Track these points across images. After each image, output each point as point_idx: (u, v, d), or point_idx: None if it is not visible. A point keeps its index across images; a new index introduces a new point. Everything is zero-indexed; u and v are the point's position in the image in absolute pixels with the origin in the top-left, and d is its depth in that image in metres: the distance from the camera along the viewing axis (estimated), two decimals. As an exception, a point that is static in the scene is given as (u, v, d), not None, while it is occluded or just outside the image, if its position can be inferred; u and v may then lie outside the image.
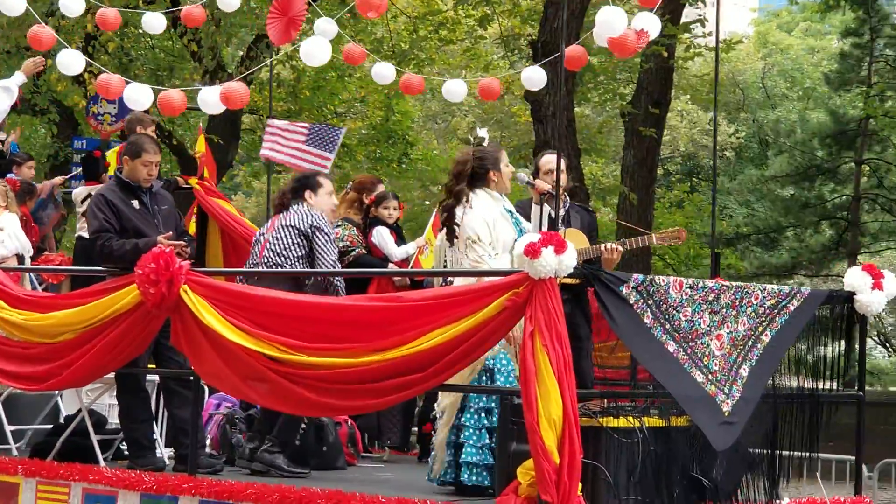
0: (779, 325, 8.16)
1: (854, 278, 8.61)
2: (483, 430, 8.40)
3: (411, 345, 7.42)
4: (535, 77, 12.01)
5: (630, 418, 7.59)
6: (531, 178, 9.80)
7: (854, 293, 8.63)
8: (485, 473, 8.32)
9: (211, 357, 8.24)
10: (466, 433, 8.38)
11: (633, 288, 7.40)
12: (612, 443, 7.38)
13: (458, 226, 8.72)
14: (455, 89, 11.07)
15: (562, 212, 9.42)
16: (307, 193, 9.90)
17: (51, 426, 10.39)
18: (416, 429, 11.44)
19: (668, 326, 7.52)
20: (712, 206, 11.77)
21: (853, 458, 9.34)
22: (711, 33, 21.20)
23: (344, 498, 7.81)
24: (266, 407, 8.89)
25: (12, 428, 9.96)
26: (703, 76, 32.12)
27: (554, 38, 19.63)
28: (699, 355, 7.64)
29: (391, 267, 10.91)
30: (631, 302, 7.37)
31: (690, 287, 7.77)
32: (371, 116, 33.29)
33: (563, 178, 9.37)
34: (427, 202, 34.92)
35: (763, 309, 8.07)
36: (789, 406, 8.37)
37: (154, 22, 11.79)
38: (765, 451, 8.20)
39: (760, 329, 8.05)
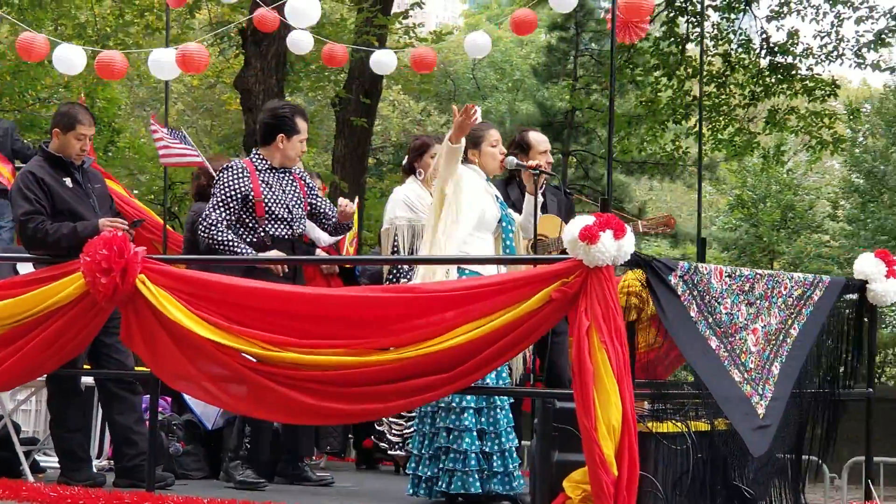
0: (805, 318, 7.89)
1: (867, 266, 8.33)
2: (476, 433, 8.10)
3: (435, 341, 7.01)
4: (480, 41, 12.21)
5: (677, 422, 7.12)
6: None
7: (867, 282, 8.25)
8: (478, 479, 8.03)
9: (173, 356, 7.71)
10: (468, 438, 8.03)
11: (679, 277, 7.13)
12: (662, 450, 7.04)
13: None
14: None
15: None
16: None
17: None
18: (351, 435, 10.97)
19: (710, 320, 7.31)
20: (698, 194, 11.52)
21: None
22: (423, 24, 21.79)
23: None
24: (244, 414, 8.38)
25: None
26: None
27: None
28: (737, 352, 7.44)
29: (319, 252, 10.21)
30: (679, 293, 7.03)
31: (729, 276, 7.56)
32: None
33: (549, 159, 9.10)
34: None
35: (791, 300, 7.90)
36: (814, 406, 8.07)
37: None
38: (792, 456, 7.92)
39: (790, 322, 7.90)
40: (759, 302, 7.56)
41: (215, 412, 9.33)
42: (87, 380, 9.19)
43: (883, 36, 22.61)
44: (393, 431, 9.73)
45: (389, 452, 9.88)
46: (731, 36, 23.50)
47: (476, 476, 7.87)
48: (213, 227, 8.75)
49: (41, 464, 9.17)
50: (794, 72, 23.10)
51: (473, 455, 7.90)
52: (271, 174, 9.09)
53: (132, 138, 35.64)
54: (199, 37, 28.01)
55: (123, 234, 7.86)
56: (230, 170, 8.96)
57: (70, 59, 9.73)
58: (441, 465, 7.99)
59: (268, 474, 8.92)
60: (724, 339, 7.25)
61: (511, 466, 8.05)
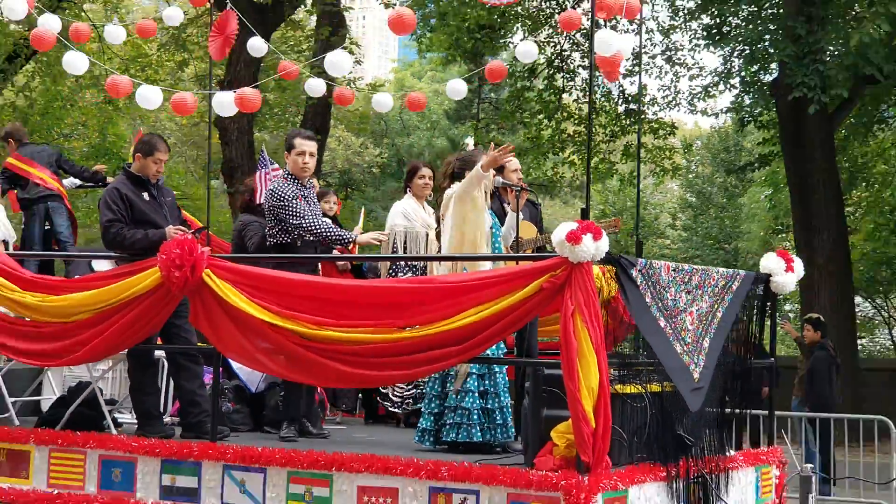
0: (727, 303, 8.06)
1: (771, 262, 8.54)
2: (478, 393, 8.18)
3: (449, 321, 7.04)
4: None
5: (637, 385, 7.32)
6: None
7: (770, 275, 8.40)
8: (479, 430, 8.10)
9: (233, 334, 7.70)
10: (470, 398, 8.11)
11: (639, 271, 7.27)
12: (626, 407, 7.15)
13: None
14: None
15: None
16: None
17: (53, 397, 9.33)
18: (360, 395, 10.80)
19: (660, 304, 7.47)
20: (636, 202, 11.52)
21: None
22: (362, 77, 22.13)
23: (381, 461, 7.28)
24: (290, 380, 8.30)
25: (12, 400, 9.09)
26: (355, 110, 33.39)
27: (238, 77, 21.09)
28: (679, 330, 7.58)
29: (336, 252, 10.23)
30: (638, 283, 7.17)
31: (674, 270, 7.70)
32: (91, 137, 33.49)
33: (519, 175, 9.10)
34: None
35: (717, 289, 8.11)
36: (732, 373, 8.17)
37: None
38: (718, 411, 8.02)
39: (716, 306, 8.09)
40: (694, 290, 7.72)
41: (258, 378, 9.29)
42: (158, 353, 9.15)
43: (709, 89, 22.98)
44: (395, 394, 9.74)
45: (391, 410, 9.86)
46: (597, 88, 23.51)
47: (478, 428, 7.94)
48: (316, 222, 8.94)
49: (119, 419, 9.03)
50: (643, 116, 23.18)
51: (476, 411, 8.00)
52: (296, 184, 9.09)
53: (137, 166, 35.95)
54: (189, 87, 28.29)
55: (192, 238, 7.86)
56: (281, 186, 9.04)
57: (149, 97, 9.58)
58: (447, 420, 8.06)
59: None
60: (670, 320, 7.41)
61: (508, 420, 8.14)
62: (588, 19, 9.41)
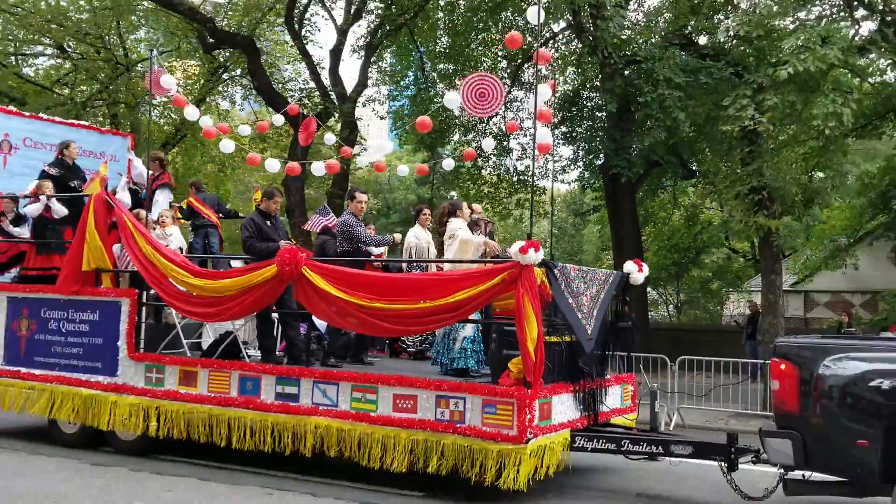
0: (605, 288, 8.06)
1: (629, 266, 8.62)
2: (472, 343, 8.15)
3: (449, 297, 7.09)
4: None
5: (556, 336, 7.29)
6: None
7: (629, 273, 8.46)
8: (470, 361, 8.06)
9: (319, 304, 7.67)
10: (465, 343, 8.10)
11: (559, 270, 7.24)
12: (551, 350, 7.08)
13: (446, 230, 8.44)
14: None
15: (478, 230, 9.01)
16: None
17: (210, 340, 9.23)
18: (388, 341, 10.55)
19: (570, 290, 7.44)
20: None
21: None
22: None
23: (406, 379, 7.32)
24: (353, 331, 8.28)
25: (186, 341, 8.91)
26: (361, 176, 31.54)
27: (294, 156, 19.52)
28: (580, 305, 7.58)
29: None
30: (557, 277, 7.15)
31: (578, 269, 7.71)
32: (209, 191, 30.38)
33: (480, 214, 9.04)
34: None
35: (600, 281, 8.04)
36: (609, 330, 8.09)
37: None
38: (600, 352, 7.90)
39: (600, 291, 8.03)
40: (588, 282, 7.73)
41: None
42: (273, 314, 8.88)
43: (565, 168, 22.74)
44: (409, 342, 9.68)
45: (407, 350, 9.81)
46: (505, 168, 23.49)
47: (470, 360, 7.94)
48: (370, 238, 8.99)
49: (249, 353, 8.79)
50: (527, 182, 22.83)
51: (469, 350, 8.00)
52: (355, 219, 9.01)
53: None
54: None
55: (295, 247, 7.83)
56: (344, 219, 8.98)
57: (272, 164, 9.46)
58: (451, 356, 8.02)
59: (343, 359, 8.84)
60: (575, 299, 7.42)
61: (481, 357, 8.10)
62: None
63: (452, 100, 8.41)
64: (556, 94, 21.40)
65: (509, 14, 20.56)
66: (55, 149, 11.02)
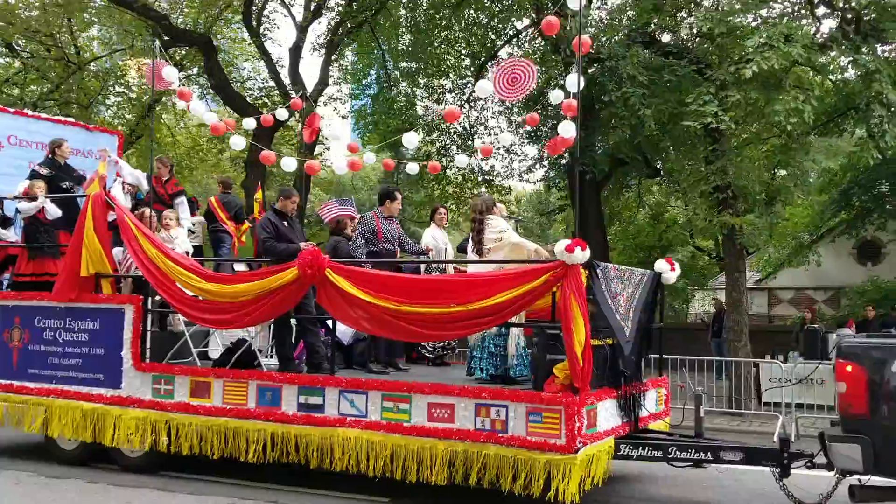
0: (640, 289, 7.91)
1: (661, 265, 8.40)
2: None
3: (489, 300, 6.78)
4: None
5: (599, 339, 7.01)
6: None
7: (661, 273, 8.26)
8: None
9: (344, 307, 7.33)
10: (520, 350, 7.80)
11: (601, 269, 7.03)
12: (597, 352, 6.80)
13: (485, 228, 7.86)
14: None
15: None
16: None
17: (217, 349, 8.87)
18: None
19: (609, 290, 7.24)
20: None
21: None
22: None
23: (443, 387, 7.05)
24: (378, 335, 7.87)
25: (198, 349, 8.54)
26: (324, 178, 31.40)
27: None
28: (617, 306, 7.37)
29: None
30: (599, 277, 6.95)
31: (616, 269, 7.46)
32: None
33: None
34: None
35: (635, 280, 7.88)
36: (644, 331, 7.86)
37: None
38: (638, 355, 7.73)
39: (636, 292, 7.91)
40: (625, 282, 7.55)
41: (349, 336, 8.71)
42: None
43: (530, 168, 22.51)
44: (428, 347, 9.36)
45: (425, 355, 9.44)
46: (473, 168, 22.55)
47: (523, 368, 7.68)
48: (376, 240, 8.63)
49: (263, 362, 8.49)
50: (492, 182, 22.77)
51: (524, 356, 7.73)
52: (386, 220, 8.76)
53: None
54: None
55: (317, 248, 7.51)
56: (366, 217, 8.65)
57: (289, 164, 9.07)
58: (490, 362, 7.68)
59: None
60: (614, 300, 7.25)
61: (526, 362, 7.76)
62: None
63: (484, 88, 8.12)
64: (491, 95, 21.16)
65: (472, 11, 20.53)
66: (42, 147, 10.58)
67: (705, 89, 12.45)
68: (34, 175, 9.47)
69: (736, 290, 14.78)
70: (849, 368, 5.89)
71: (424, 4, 21.05)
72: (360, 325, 7.40)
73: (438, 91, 22.68)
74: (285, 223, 8.06)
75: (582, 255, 6.43)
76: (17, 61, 23.71)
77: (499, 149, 22.08)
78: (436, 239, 9.30)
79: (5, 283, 9.90)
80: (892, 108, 11.87)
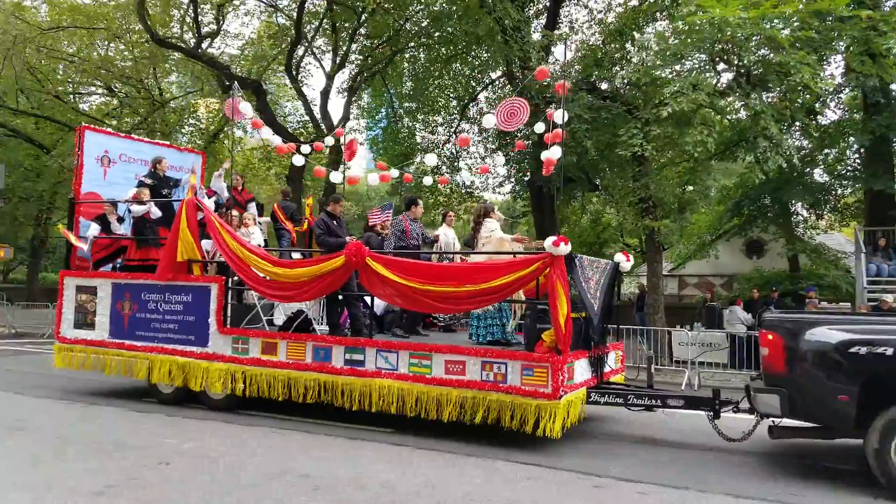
0: (605, 275, 7.63)
1: (619, 257, 8.16)
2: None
3: (493, 282, 6.64)
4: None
5: (575, 313, 6.82)
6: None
7: (619, 263, 8.04)
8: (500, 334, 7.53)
9: (381, 287, 7.17)
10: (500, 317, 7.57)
11: (578, 260, 6.77)
12: (576, 323, 6.64)
13: (481, 228, 7.80)
14: (373, 178, 9.24)
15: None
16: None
17: (281, 317, 8.65)
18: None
19: (584, 276, 6.95)
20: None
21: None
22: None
23: (456, 348, 6.87)
24: (406, 308, 7.67)
25: (266, 318, 8.36)
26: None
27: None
28: (589, 287, 7.15)
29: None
30: (577, 266, 6.73)
31: (589, 260, 7.27)
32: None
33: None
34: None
35: (601, 269, 7.61)
36: (607, 308, 7.62)
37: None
38: (602, 325, 7.54)
39: (601, 277, 7.60)
40: (594, 269, 7.33)
41: (381, 308, 8.55)
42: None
43: (501, 182, 22.03)
44: (440, 318, 9.18)
45: (438, 324, 9.29)
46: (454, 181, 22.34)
47: (500, 333, 7.47)
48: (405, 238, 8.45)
49: (316, 328, 8.18)
50: (473, 194, 22.38)
51: (500, 324, 7.52)
52: (413, 222, 8.55)
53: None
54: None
55: (359, 242, 7.30)
56: (397, 220, 8.43)
57: (335, 177, 8.82)
58: (486, 331, 7.51)
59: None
60: (587, 283, 7.03)
61: (512, 328, 7.62)
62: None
63: (488, 120, 7.95)
64: (493, 127, 21.09)
65: (458, 65, 21.13)
66: (144, 163, 10.35)
67: (633, 125, 12.80)
68: (141, 184, 9.25)
69: (655, 276, 14.97)
70: (770, 336, 5.75)
71: (422, 59, 21.73)
72: (393, 300, 7.23)
73: (433, 125, 22.90)
74: (335, 222, 7.86)
75: (565, 248, 6.28)
76: (115, 99, 24.05)
77: (490, 172, 21.83)
78: (446, 235, 9.11)
79: (118, 266, 9.69)
80: (774, 140, 12.05)
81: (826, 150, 16.42)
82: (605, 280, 7.66)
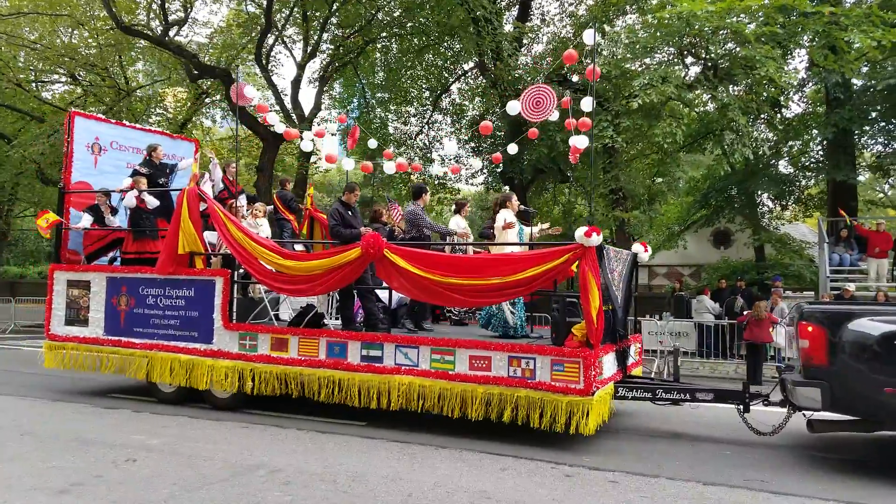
0: (625, 266, 7.52)
1: (636, 248, 8.04)
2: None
3: (519, 274, 6.44)
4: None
5: (607, 305, 6.65)
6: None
7: (637, 253, 7.94)
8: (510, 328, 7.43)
9: (399, 280, 6.93)
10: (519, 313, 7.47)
11: (605, 250, 6.56)
12: (607, 315, 6.34)
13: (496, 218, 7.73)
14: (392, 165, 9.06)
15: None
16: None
17: (288, 313, 8.36)
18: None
19: (609, 268, 6.78)
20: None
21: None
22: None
23: (481, 343, 6.65)
24: (422, 301, 7.47)
25: (273, 312, 8.00)
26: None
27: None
28: (613, 279, 6.98)
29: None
30: (604, 256, 6.51)
31: (614, 251, 7.09)
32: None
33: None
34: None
35: (623, 259, 7.49)
36: (628, 299, 7.56)
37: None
38: (625, 318, 7.44)
39: (622, 267, 7.49)
40: (618, 260, 7.17)
41: (395, 302, 8.21)
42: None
43: (474, 175, 21.86)
44: (454, 311, 8.95)
45: (451, 317, 9.06)
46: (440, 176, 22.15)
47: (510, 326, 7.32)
48: (434, 225, 8.22)
49: (326, 323, 7.96)
50: (446, 185, 22.22)
51: (512, 315, 7.36)
52: (422, 211, 8.24)
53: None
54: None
55: (377, 233, 7.04)
56: (411, 209, 8.16)
57: (347, 163, 8.50)
58: (494, 322, 7.37)
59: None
60: (611, 273, 6.87)
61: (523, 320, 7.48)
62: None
63: (513, 107, 7.70)
64: (465, 118, 21.17)
65: (430, 56, 21.07)
66: (136, 151, 9.93)
67: (604, 117, 12.82)
68: (136, 174, 8.85)
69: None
70: (810, 329, 5.63)
71: (395, 50, 21.71)
72: (412, 293, 6.98)
73: (405, 116, 22.70)
74: (349, 212, 7.56)
75: (597, 238, 6.09)
76: (79, 88, 23.40)
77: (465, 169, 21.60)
78: (459, 226, 8.88)
79: (107, 259, 9.29)
80: (740, 133, 12.21)
81: (790, 143, 16.95)
82: (626, 271, 7.53)
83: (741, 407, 6.52)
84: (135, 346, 8.19)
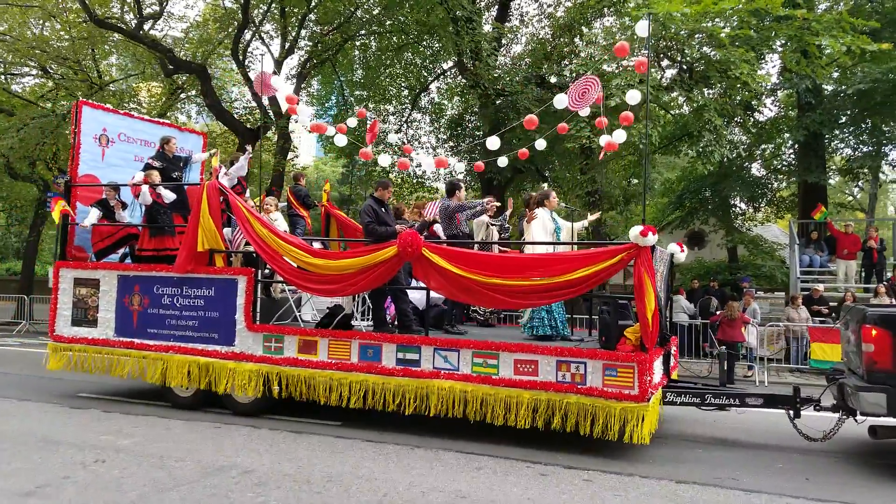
0: (665, 267, 7.27)
1: (672, 247, 7.86)
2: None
3: (569, 274, 6.19)
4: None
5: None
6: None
7: (674, 253, 7.75)
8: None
9: (439, 280, 6.65)
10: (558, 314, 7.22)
11: (655, 251, 6.32)
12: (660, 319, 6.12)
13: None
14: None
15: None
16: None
17: (312, 314, 8.05)
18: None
19: (654, 268, 6.47)
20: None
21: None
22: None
23: (527, 346, 6.41)
24: (465, 302, 7.33)
25: (298, 313, 7.71)
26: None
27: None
28: (657, 280, 6.61)
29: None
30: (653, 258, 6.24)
31: (659, 251, 6.83)
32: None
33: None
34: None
35: (663, 260, 7.31)
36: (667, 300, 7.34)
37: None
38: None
39: (663, 270, 7.23)
40: (660, 261, 6.99)
41: (424, 303, 7.85)
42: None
43: (451, 173, 21.58)
44: (480, 311, 8.70)
45: (477, 318, 8.79)
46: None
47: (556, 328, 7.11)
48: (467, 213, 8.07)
49: (357, 325, 7.68)
50: (424, 184, 22.09)
51: (553, 318, 7.16)
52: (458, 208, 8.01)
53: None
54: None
55: (414, 231, 6.77)
56: (444, 205, 7.90)
57: (383, 160, 8.18)
58: (538, 325, 7.17)
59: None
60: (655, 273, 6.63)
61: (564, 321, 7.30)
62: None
63: (560, 100, 7.47)
64: (445, 118, 21.03)
65: (409, 54, 21.04)
66: (144, 143, 9.55)
67: (581, 118, 12.68)
68: (148, 167, 8.49)
69: (602, 265, 15.50)
70: (874, 332, 5.50)
71: (373, 47, 21.65)
72: (452, 294, 6.71)
73: (384, 114, 22.59)
74: (383, 209, 7.29)
75: (653, 238, 5.89)
76: (50, 81, 22.79)
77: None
78: (487, 224, 8.65)
79: (118, 257, 8.92)
80: (717, 133, 12.40)
81: (763, 146, 17.36)
82: (665, 271, 7.35)
83: (791, 413, 6.37)
84: (149, 349, 7.83)
